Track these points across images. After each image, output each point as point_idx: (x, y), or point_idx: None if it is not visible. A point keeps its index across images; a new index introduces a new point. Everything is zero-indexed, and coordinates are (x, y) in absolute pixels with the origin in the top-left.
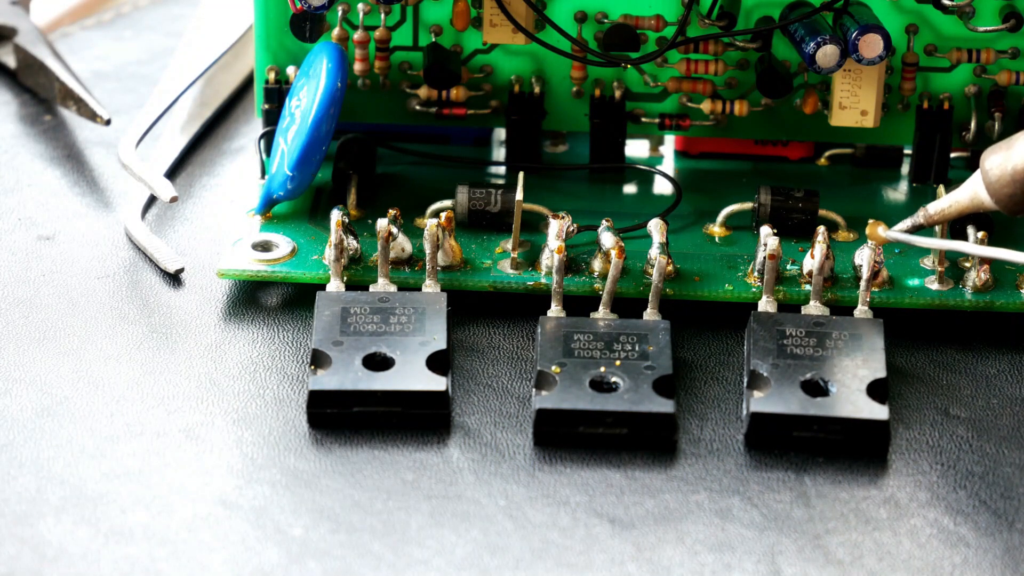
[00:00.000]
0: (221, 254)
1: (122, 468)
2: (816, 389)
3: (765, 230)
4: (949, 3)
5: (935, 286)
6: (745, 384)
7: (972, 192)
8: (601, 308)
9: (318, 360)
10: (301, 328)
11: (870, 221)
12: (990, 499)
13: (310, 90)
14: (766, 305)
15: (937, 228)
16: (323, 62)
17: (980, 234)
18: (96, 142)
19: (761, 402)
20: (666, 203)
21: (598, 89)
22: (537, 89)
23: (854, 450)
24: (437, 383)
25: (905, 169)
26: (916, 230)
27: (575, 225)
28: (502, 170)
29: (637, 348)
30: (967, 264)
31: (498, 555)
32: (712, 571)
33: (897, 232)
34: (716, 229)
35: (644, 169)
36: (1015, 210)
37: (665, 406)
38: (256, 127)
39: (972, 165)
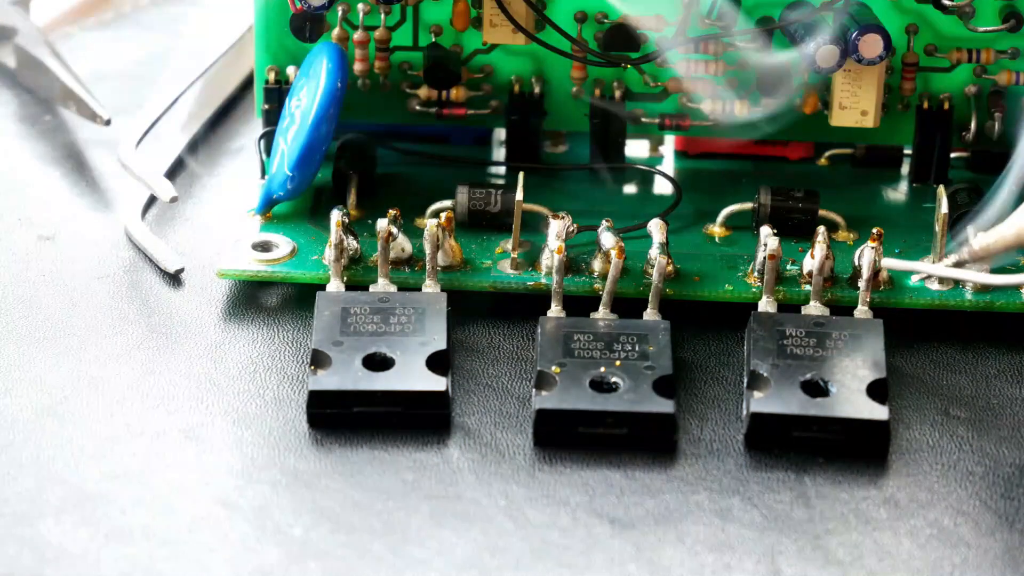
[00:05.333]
0: (221, 254)
1: (122, 468)
2: (816, 389)
3: (765, 230)
4: (949, 3)
5: (935, 286)
6: (745, 384)
7: (1018, 228)
8: (601, 308)
9: (318, 360)
10: (301, 328)
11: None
12: (990, 499)
13: (310, 90)
14: (766, 305)
15: (937, 230)
16: (323, 62)
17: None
18: (96, 142)
19: (761, 402)
20: (666, 203)
21: (598, 89)
22: (537, 89)
23: (854, 450)
24: (437, 383)
25: (905, 169)
26: (963, 264)
27: (575, 225)
28: (502, 170)
29: (637, 348)
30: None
31: (498, 555)
32: (712, 571)
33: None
34: (716, 229)
35: (644, 169)
36: None
37: (665, 406)
38: (256, 127)
39: (972, 165)
